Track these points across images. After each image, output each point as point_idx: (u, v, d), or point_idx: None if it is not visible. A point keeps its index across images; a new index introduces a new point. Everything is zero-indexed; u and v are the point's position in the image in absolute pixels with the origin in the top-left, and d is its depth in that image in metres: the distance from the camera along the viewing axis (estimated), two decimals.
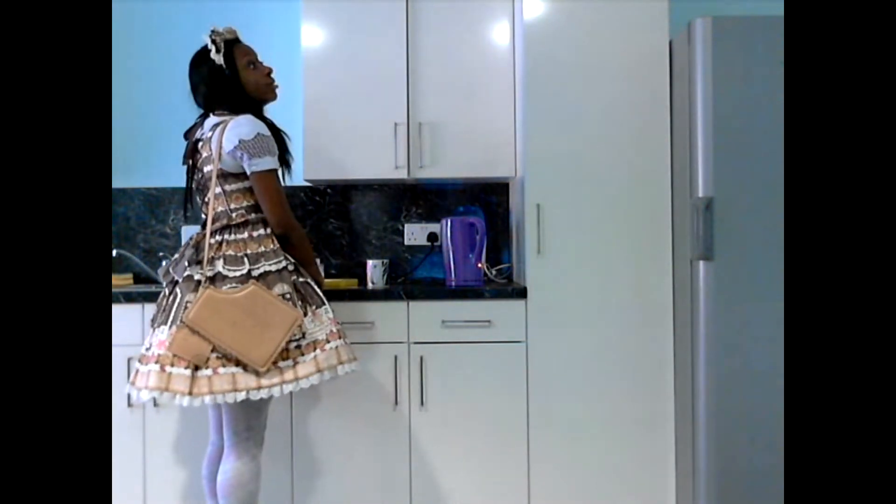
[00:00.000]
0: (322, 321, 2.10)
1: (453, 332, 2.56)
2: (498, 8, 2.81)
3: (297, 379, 2.01)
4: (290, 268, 2.09)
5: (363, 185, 3.10)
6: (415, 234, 3.09)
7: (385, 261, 2.85)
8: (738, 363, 2.35)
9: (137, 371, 2.01)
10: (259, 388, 1.96)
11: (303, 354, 2.04)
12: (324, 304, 2.13)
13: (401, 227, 3.10)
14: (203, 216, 2.15)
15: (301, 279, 2.11)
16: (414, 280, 3.07)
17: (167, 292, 2.09)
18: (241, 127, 2.03)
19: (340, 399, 2.55)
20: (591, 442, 2.56)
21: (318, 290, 2.15)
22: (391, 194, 3.11)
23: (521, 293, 2.56)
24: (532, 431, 2.56)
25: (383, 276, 2.83)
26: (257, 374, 1.96)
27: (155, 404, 2.52)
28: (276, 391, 1.98)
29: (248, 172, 2.05)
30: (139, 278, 3.08)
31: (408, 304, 2.56)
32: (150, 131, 3.11)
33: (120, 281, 2.97)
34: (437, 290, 2.59)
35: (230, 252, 2.04)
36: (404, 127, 2.79)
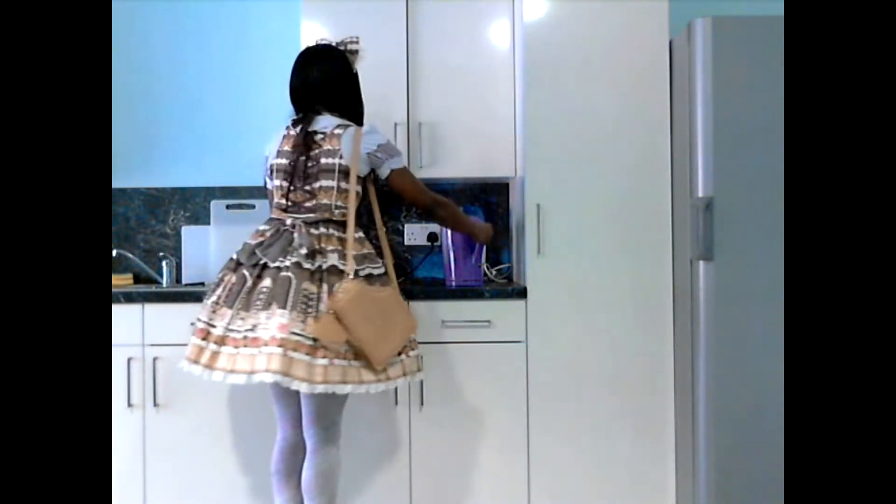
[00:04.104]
0: None
1: (453, 332, 2.56)
2: (498, 8, 2.81)
3: (388, 379, 2.11)
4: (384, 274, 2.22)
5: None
6: (415, 234, 3.09)
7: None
8: (738, 363, 2.35)
9: (237, 354, 1.99)
10: (360, 382, 2.04)
11: None
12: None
13: (401, 227, 3.10)
14: (286, 203, 2.18)
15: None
16: (414, 280, 3.07)
17: (248, 274, 2.08)
18: (373, 134, 2.22)
19: None
20: (590, 442, 2.56)
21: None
22: (391, 194, 3.10)
23: (521, 293, 2.56)
24: (532, 431, 2.56)
25: None
26: (359, 369, 2.04)
27: (155, 404, 2.52)
28: (372, 388, 2.07)
29: (388, 170, 2.23)
30: (139, 278, 3.08)
31: (408, 304, 2.56)
32: (150, 131, 3.11)
33: (120, 281, 2.97)
34: (437, 290, 2.59)
35: (329, 246, 2.10)
36: (404, 127, 2.79)
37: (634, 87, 2.56)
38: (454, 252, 2.77)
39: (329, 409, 2.11)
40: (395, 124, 2.78)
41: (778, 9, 2.82)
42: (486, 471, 2.56)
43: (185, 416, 2.53)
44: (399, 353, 2.15)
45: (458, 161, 2.80)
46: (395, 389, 2.53)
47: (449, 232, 2.78)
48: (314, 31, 2.78)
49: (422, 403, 2.55)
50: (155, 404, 2.52)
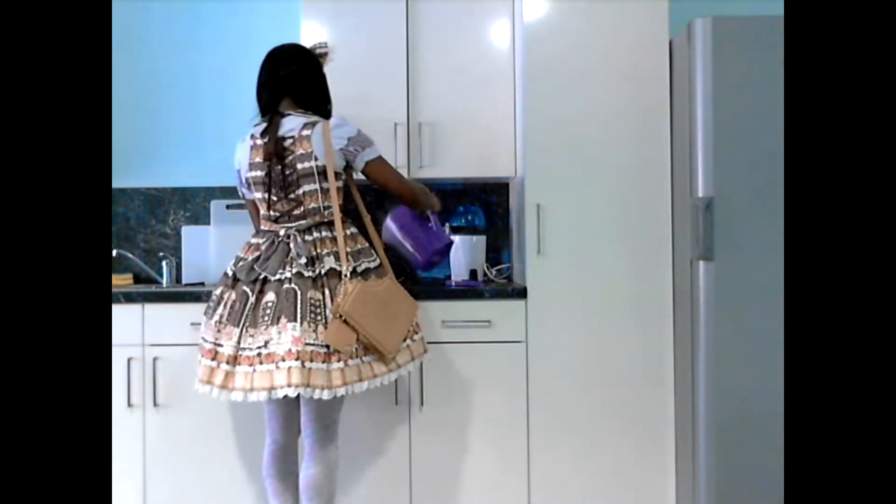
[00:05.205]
0: None
1: (453, 332, 2.56)
2: (498, 8, 2.81)
3: (399, 367, 2.15)
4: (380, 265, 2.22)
5: (363, 185, 3.09)
6: None
7: None
8: (738, 363, 2.35)
9: (254, 372, 1.99)
10: (374, 377, 2.08)
11: None
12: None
13: None
14: (274, 214, 2.14)
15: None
16: (414, 280, 3.06)
17: (249, 290, 2.07)
18: (342, 127, 2.16)
19: None
20: (590, 442, 2.56)
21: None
22: (391, 194, 3.10)
23: (521, 293, 2.56)
24: (532, 431, 2.56)
25: None
26: (370, 364, 2.08)
27: (155, 404, 2.52)
28: (385, 379, 2.11)
29: (363, 163, 2.18)
30: (139, 278, 3.08)
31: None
32: (150, 131, 3.11)
33: (120, 281, 2.98)
34: (437, 290, 2.59)
35: (325, 250, 2.10)
36: (404, 127, 2.79)
37: (634, 88, 2.56)
38: (410, 232, 2.34)
39: (330, 407, 2.11)
40: (395, 124, 2.78)
41: (778, 9, 2.82)
42: (485, 471, 2.56)
43: (185, 416, 2.53)
44: (404, 340, 2.18)
45: (458, 161, 2.80)
46: (396, 389, 2.53)
47: (391, 223, 2.42)
48: (314, 31, 2.78)
49: (422, 403, 2.55)
50: (155, 404, 2.52)
